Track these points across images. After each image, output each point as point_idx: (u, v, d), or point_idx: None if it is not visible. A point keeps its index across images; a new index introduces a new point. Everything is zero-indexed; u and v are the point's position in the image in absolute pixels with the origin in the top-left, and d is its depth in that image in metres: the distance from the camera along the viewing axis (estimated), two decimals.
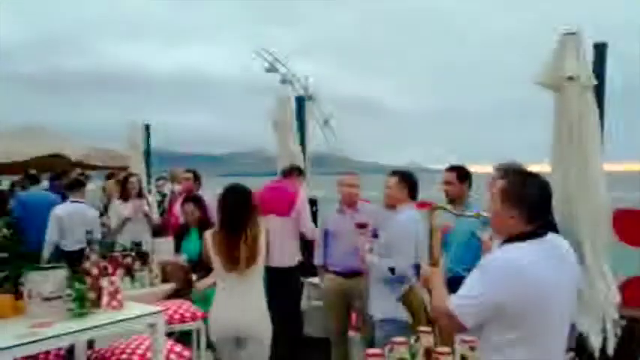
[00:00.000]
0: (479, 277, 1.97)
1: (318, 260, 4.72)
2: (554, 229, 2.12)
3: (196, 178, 6.22)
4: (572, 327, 3.14)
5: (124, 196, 6.28)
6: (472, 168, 4.31)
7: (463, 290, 2.00)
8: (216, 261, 3.46)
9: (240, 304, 3.40)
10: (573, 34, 3.65)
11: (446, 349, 2.01)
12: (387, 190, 3.79)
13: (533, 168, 2.27)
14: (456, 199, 4.08)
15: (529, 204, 1.99)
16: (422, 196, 4.13)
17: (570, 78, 3.58)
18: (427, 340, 2.00)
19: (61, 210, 5.82)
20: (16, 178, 9.19)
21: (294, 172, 5.41)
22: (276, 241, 4.94)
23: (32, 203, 6.41)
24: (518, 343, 1.93)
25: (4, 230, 5.01)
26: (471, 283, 1.99)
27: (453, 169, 4.15)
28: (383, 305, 3.65)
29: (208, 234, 3.53)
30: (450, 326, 2.05)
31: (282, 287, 4.96)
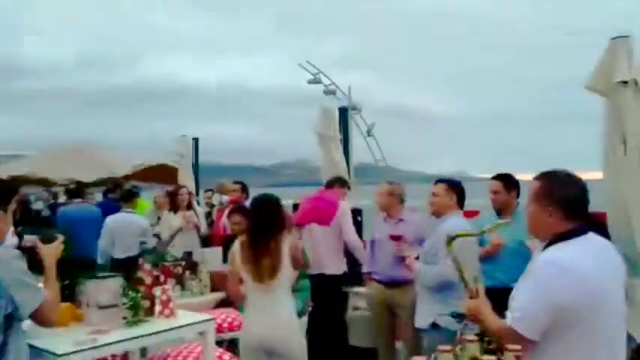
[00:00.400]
0: (529, 285, 1.93)
1: (365, 268, 4.74)
2: (602, 232, 2.07)
3: (244, 189, 6.32)
4: (630, 339, 3.02)
5: (174, 208, 6.47)
6: (521, 176, 4.22)
7: (517, 303, 1.95)
8: (243, 272, 3.34)
9: (266, 318, 3.26)
10: (625, 37, 3.55)
11: (491, 357, 1.98)
12: (434, 198, 3.72)
13: (584, 176, 2.22)
14: (503, 209, 4.01)
15: (565, 200, 1.97)
16: (470, 205, 4.06)
17: (622, 82, 3.48)
18: (473, 349, 1.97)
19: (112, 220, 6.05)
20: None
21: (337, 183, 5.45)
22: (320, 249, 4.99)
23: (73, 216, 6.59)
24: (576, 344, 1.89)
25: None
26: (523, 293, 1.94)
27: (498, 177, 4.08)
28: (428, 312, 3.61)
29: (237, 244, 3.42)
30: (517, 344, 1.99)
31: (326, 296, 4.98)
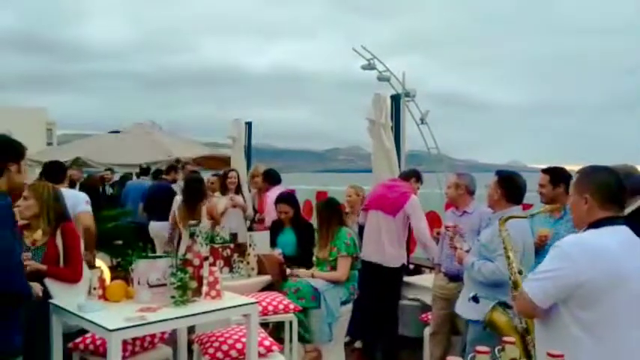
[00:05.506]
0: (551, 256, 2.02)
1: (436, 259, 4.62)
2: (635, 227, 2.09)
3: (267, 178, 6.41)
4: None
5: (223, 191, 6.60)
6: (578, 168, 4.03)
7: (535, 272, 2.07)
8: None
9: None
10: None
11: None
12: (488, 191, 3.64)
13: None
14: (552, 203, 3.83)
15: (599, 187, 2.05)
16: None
17: None
18: (512, 351, 1.94)
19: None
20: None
21: (413, 176, 5.34)
22: (380, 238, 4.92)
23: (133, 189, 8.83)
24: (587, 329, 1.92)
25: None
26: (544, 263, 2.03)
27: (546, 171, 3.90)
28: (476, 305, 3.52)
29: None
30: (526, 311, 2.13)
31: (382, 287, 4.93)
